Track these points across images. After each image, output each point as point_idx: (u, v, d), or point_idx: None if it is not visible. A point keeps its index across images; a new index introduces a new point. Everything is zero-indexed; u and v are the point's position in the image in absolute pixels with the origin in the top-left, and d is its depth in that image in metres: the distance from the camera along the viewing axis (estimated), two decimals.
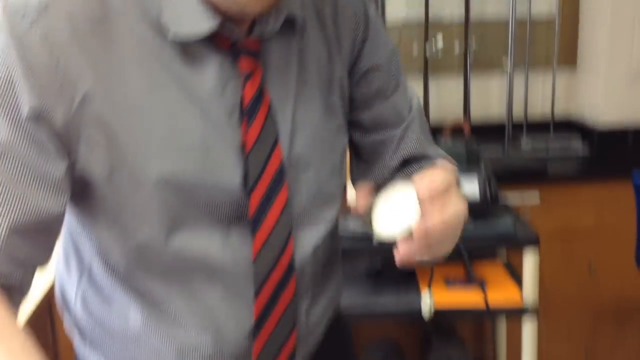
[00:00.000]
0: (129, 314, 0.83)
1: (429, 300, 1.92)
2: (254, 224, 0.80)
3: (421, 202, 0.68)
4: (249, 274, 0.82)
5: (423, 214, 0.68)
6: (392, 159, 0.97)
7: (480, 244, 2.06)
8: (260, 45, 0.79)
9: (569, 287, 2.57)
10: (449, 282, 2.16)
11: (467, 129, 2.27)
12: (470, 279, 2.13)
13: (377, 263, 2.08)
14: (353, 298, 1.91)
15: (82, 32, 0.70)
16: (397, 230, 0.67)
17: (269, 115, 0.79)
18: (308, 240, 0.87)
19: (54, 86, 0.70)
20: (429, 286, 2.02)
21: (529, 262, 2.04)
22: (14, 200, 0.70)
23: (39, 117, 0.70)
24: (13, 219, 0.70)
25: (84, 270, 0.85)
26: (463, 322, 2.59)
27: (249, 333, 0.84)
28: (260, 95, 0.78)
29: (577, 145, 2.67)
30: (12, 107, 0.69)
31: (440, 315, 1.94)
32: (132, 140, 0.73)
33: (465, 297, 2.06)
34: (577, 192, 2.48)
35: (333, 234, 0.93)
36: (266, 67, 0.80)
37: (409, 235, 0.67)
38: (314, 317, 0.90)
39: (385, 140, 0.97)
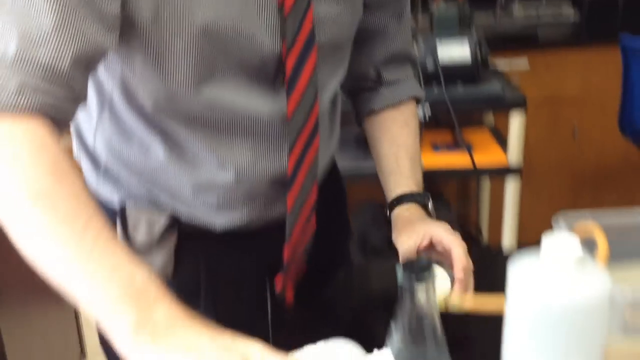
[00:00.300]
0: (150, 150, 0.87)
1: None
2: (289, 85, 0.84)
3: (457, 275, 0.84)
4: (274, 130, 0.87)
5: (459, 282, 0.84)
6: (380, 52, 1.02)
7: (469, 107, 2.10)
8: None
9: (553, 152, 2.65)
10: (436, 147, 2.22)
11: None
12: (458, 144, 2.18)
13: None
14: (343, 162, 1.96)
15: None
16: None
17: None
18: (326, 97, 0.92)
19: None
20: None
21: (515, 124, 2.09)
22: (75, 31, 0.69)
23: None
24: (75, 50, 0.69)
25: (105, 103, 0.88)
26: (448, 185, 2.68)
27: (275, 182, 0.89)
28: None
29: (568, 12, 2.66)
30: None
31: (427, 176, 2.01)
32: None
33: (451, 160, 2.12)
34: (565, 58, 2.50)
35: (338, 89, 0.99)
36: None
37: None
38: (320, 163, 0.95)
39: (380, 27, 1.00)
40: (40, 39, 0.67)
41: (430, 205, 0.96)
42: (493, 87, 2.08)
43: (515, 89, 2.16)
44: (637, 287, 0.66)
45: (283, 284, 0.94)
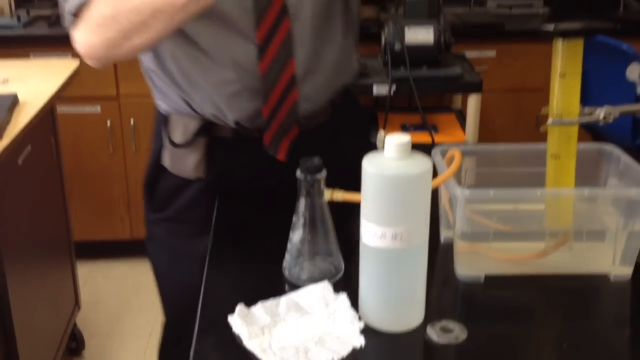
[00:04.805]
0: (178, 58, 1.10)
1: (382, 134, 2.18)
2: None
3: None
4: (250, 10, 1.05)
5: None
6: None
7: (431, 88, 2.29)
8: None
9: (518, 138, 2.83)
10: (405, 127, 2.42)
11: None
12: (424, 125, 2.37)
13: None
14: None
15: None
16: None
17: None
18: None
19: None
20: (384, 127, 2.27)
21: (472, 105, 2.28)
22: None
23: None
24: None
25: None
26: None
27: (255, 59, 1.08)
28: None
29: (539, 7, 2.85)
30: None
31: None
32: None
33: (415, 137, 2.32)
34: (531, 49, 2.67)
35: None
36: None
37: None
38: (311, 66, 1.12)
39: None
40: None
41: None
42: (453, 70, 2.28)
43: (475, 73, 2.35)
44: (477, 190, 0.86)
45: (271, 141, 1.14)
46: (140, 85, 2.56)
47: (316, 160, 0.88)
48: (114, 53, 1.00)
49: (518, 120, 2.81)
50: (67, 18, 1.03)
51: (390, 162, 0.75)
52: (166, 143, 1.17)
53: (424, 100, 2.30)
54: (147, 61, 1.16)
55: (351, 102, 1.28)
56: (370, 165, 0.76)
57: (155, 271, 1.28)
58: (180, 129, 1.15)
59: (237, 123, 1.13)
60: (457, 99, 2.70)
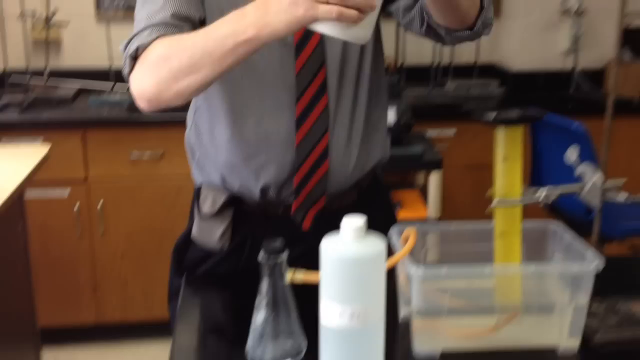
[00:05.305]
0: (214, 132, 1.20)
1: None
2: (297, 49, 1.12)
3: None
4: (291, 85, 1.13)
5: None
6: None
7: (394, 166, 2.37)
8: None
9: (478, 214, 2.90)
10: None
11: (392, 66, 2.56)
12: None
13: None
14: None
15: None
16: None
17: None
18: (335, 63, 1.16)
19: None
20: None
21: (433, 182, 2.36)
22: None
23: None
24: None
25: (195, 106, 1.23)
26: None
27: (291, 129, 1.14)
28: None
29: (495, 87, 3.00)
30: None
31: None
32: None
33: None
34: (489, 128, 2.79)
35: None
36: None
37: None
38: (343, 144, 1.18)
39: None
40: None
41: None
42: (414, 149, 2.37)
43: (435, 152, 2.44)
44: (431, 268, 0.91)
45: (297, 209, 1.19)
46: (109, 167, 2.64)
47: (278, 243, 0.92)
48: (163, 95, 1.04)
49: (479, 195, 2.86)
50: (127, 63, 1.08)
51: (346, 244, 0.80)
52: (195, 215, 1.24)
53: (387, 178, 2.37)
54: (189, 136, 1.26)
55: (378, 189, 1.33)
56: (327, 247, 0.81)
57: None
58: (210, 202, 1.22)
59: (262, 195, 1.19)
60: (420, 176, 2.79)
